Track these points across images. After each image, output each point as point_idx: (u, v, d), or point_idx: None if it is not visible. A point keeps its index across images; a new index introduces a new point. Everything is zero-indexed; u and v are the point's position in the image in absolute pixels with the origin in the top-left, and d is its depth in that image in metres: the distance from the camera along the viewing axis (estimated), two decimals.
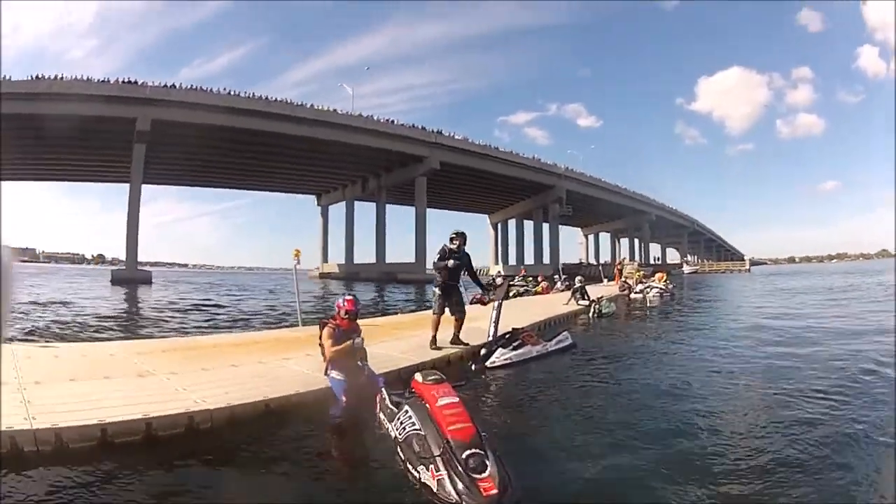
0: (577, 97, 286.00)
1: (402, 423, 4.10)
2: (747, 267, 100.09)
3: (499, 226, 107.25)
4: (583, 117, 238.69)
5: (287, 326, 12.98)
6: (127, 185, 56.84)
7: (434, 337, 8.68)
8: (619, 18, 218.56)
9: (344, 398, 5.14)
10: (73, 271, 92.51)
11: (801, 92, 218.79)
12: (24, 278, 45.62)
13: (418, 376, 4.55)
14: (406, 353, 8.04)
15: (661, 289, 26.96)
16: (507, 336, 9.03)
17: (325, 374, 5.37)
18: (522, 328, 9.62)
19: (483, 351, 8.64)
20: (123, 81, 54.39)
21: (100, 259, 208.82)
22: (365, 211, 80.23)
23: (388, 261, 73.26)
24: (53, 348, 8.25)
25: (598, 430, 4.95)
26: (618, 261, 32.98)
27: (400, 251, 68.53)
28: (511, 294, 26.34)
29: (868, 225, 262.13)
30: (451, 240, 8.86)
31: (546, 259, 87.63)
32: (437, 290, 8.90)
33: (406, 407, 4.20)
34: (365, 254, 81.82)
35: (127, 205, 55.67)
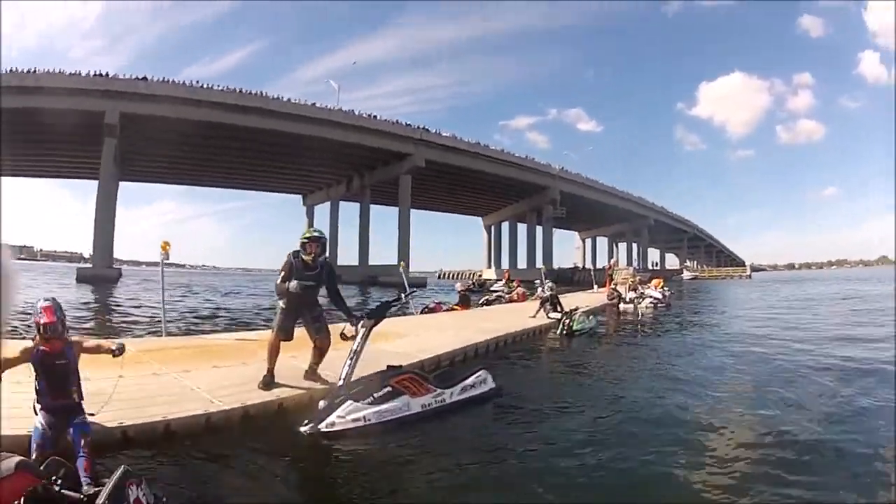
0: (577, 101, 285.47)
1: None
2: (748, 273, 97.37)
3: (492, 228, 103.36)
4: (583, 122, 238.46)
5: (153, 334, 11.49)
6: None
7: (269, 370, 5.88)
8: (622, 23, 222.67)
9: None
10: (60, 269, 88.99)
11: (801, 97, 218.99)
12: None
13: None
14: (217, 391, 5.47)
15: (655, 298, 23.50)
16: (370, 380, 5.68)
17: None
18: (402, 367, 6.21)
19: (322, 403, 5.24)
20: (95, 74, 51.98)
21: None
22: (352, 212, 76.67)
23: (372, 263, 69.91)
24: None
25: None
26: (608, 265, 29.00)
27: (389, 253, 64.77)
28: (481, 302, 23.41)
29: (868, 232, 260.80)
30: (304, 246, 5.88)
31: (539, 263, 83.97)
32: (280, 303, 5.99)
33: None
34: (351, 256, 78.24)
35: (112, 202, 54.24)
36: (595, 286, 34.16)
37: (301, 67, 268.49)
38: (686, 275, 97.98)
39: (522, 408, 6.29)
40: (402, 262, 18.85)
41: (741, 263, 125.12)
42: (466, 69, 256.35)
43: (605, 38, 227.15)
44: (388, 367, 5.95)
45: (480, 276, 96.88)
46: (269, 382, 5.75)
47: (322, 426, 4.96)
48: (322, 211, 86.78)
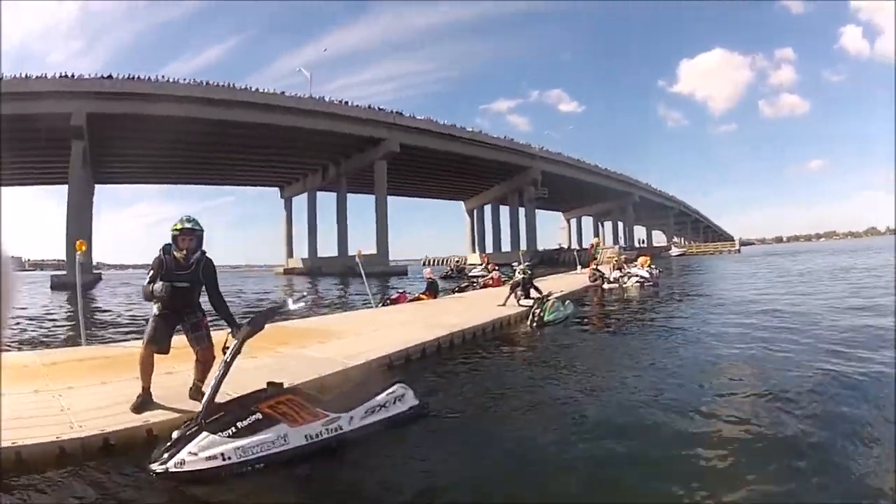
0: (558, 83, 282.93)
1: None
2: (737, 247, 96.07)
3: (475, 212, 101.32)
4: (564, 103, 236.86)
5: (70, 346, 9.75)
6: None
7: (144, 388, 4.81)
8: (601, 3, 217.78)
9: None
10: (43, 278, 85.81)
11: (784, 72, 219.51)
12: None
13: None
14: (85, 413, 4.55)
15: (642, 277, 21.74)
16: (240, 403, 4.15)
17: None
18: (284, 385, 4.51)
19: (175, 433, 3.91)
20: (61, 76, 49.85)
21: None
22: (332, 202, 74.31)
23: (351, 253, 66.90)
24: None
25: None
26: (591, 244, 27.06)
27: (370, 242, 62.71)
28: (455, 289, 21.74)
29: (855, 202, 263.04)
30: (175, 239, 4.75)
31: (523, 245, 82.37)
32: (154, 308, 4.83)
33: None
34: (330, 247, 75.97)
35: (88, 205, 52.55)
36: (579, 267, 32.56)
37: (280, 60, 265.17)
38: (674, 251, 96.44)
39: (447, 431, 4.73)
40: (358, 251, 16.92)
41: (729, 238, 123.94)
42: (445, 54, 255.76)
43: (584, 18, 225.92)
44: (268, 384, 4.35)
45: (465, 261, 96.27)
46: (141, 404, 4.66)
47: (171, 465, 3.65)
48: (300, 202, 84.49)
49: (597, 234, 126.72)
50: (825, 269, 28.45)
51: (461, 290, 21.77)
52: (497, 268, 25.24)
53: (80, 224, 53.43)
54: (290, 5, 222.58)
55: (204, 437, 3.72)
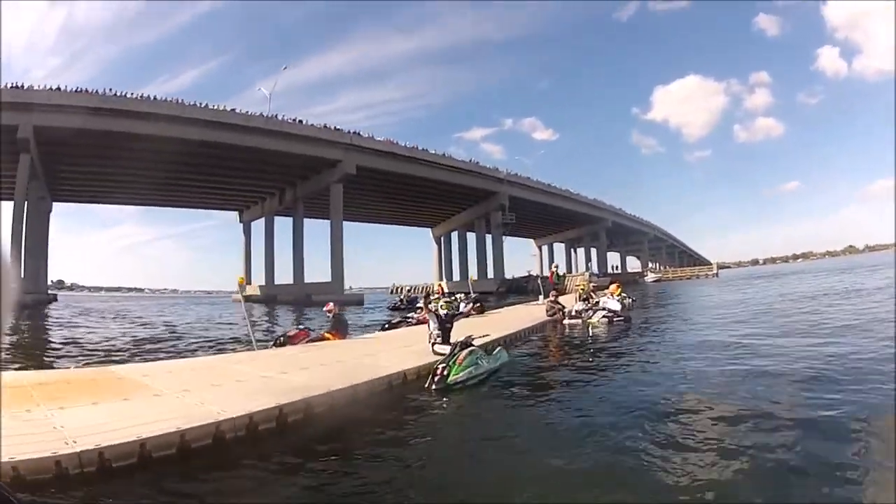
0: (532, 111, 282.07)
1: None
2: (715, 271, 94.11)
3: (441, 239, 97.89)
4: (539, 130, 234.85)
5: None
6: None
7: None
8: (575, 31, 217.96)
9: None
10: None
11: (759, 96, 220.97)
12: None
13: None
14: None
15: (610, 310, 18.04)
16: None
17: None
18: None
19: None
20: (11, 86, 46.64)
21: (59, 284, 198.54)
22: (290, 227, 70.22)
23: (308, 280, 63.38)
24: None
25: None
26: (550, 271, 23.28)
27: (326, 270, 59.07)
28: (384, 325, 18.23)
29: (833, 222, 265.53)
30: None
31: (491, 273, 78.97)
32: None
33: None
34: (290, 274, 71.26)
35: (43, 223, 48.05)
36: (541, 297, 28.87)
37: (256, 85, 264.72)
38: (650, 277, 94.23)
39: None
40: (239, 279, 13.15)
41: (706, 263, 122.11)
42: (420, 82, 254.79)
43: (557, 46, 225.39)
44: None
45: (432, 290, 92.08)
46: None
47: None
48: (260, 227, 79.85)
49: (569, 261, 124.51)
50: (825, 292, 25.14)
51: (392, 326, 18.06)
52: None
53: (34, 240, 52.85)
54: (268, 31, 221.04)
55: None
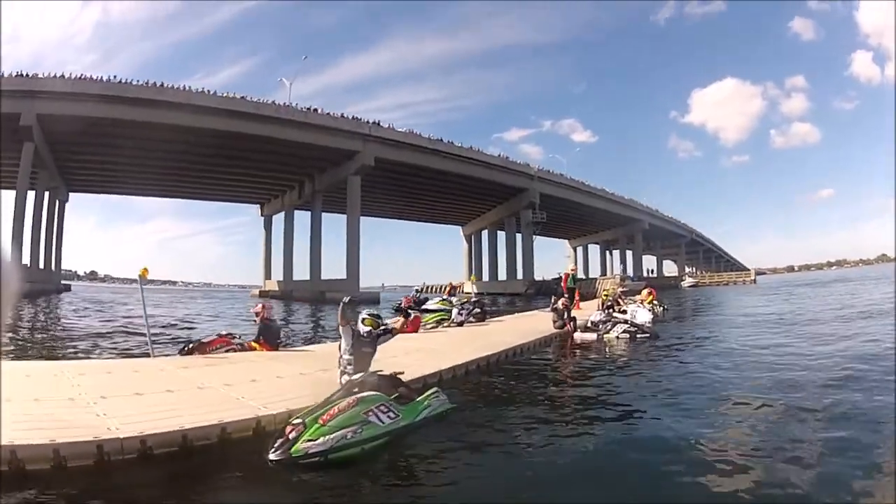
0: (571, 113, 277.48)
1: None
2: (752, 278, 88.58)
3: (472, 238, 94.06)
4: (577, 132, 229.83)
5: None
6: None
7: None
8: (613, 34, 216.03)
9: None
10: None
11: (795, 101, 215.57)
12: None
13: None
14: None
15: (634, 325, 14.57)
16: None
17: None
18: None
19: None
20: (16, 75, 45.35)
21: (92, 275, 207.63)
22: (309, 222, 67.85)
23: (328, 277, 60.58)
24: None
25: None
26: (565, 273, 19.60)
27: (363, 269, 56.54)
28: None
29: (866, 230, 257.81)
30: None
31: (520, 274, 75.37)
32: None
33: None
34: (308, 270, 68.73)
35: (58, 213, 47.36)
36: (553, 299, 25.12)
37: (295, 84, 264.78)
38: (687, 281, 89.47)
39: None
40: (142, 270, 10.09)
41: (741, 268, 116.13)
42: (458, 83, 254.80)
43: (596, 49, 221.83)
44: None
45: (462, 289, 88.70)
46: None
47: None
48: (281, 221, 77.27)
49: (604, 264, 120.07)
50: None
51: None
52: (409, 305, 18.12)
53: (48, 231, 55.18)
54: (306, 29, 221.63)
55: None
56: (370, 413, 5.39)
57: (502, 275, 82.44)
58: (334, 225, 60.57)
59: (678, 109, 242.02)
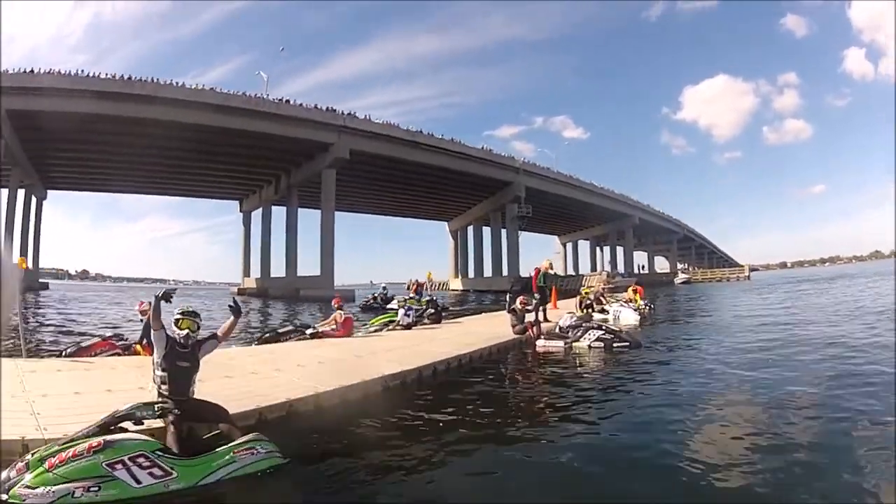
0: (562, 109, 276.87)
1: None
2: (746, 273, 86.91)
3: (458, 234, 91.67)
4: (569, 129, 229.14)
5: None
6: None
7: None
8: (605, 31, 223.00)
9: None
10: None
11: (787, 97, 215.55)
12: None
13: None
14: None
15: (608, 333, 11.88)
16: None
17: None
18: None
19: None
20: None
21: (84, 274, 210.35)
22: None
23: (301, 273, 58.64)
24: None
25: None
26: (536, 268, 17.18)
27: (344, 265, 54.51)
28: (263, 336, 12.89)
29: (858, 226, 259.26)
30: None
31: (506, 270, 72.93)
32: None
33: None
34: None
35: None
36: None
37: (286, 83, 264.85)
38: (679, 277, 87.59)
39: None
40: (20, 260, 7.86)
41: (734, 265, 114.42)
42: (449, 81, 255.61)
43: (587, 46, 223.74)
44: None
45: (447, 286, 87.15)
46: None
47: None
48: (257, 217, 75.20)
49: (594, 260, 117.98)
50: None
51: (273, 339, 12.24)
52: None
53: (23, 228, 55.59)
54: (297, 28, 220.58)
55: None
56: (118, 466, 3.73)
57: (488, 271, 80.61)
58: (315, 221, 58.71)
59: (670, 106, 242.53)
